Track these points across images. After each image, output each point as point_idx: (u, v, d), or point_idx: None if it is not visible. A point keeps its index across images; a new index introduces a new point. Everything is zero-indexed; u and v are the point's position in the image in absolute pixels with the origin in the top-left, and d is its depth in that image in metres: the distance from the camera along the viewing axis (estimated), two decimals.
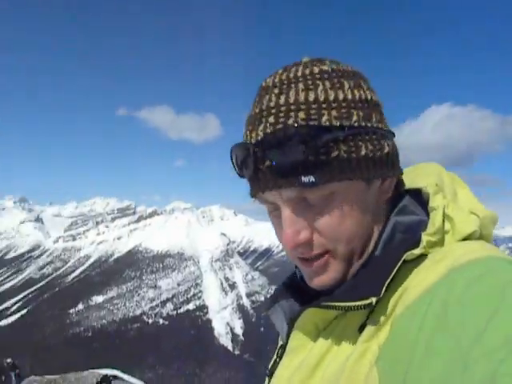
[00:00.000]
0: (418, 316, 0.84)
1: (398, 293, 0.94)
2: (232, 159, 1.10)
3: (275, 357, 1.24)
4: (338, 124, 0.98)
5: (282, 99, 0.99)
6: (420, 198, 1.10)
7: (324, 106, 0.98)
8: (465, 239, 1.00)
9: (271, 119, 1.00)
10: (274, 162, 0.98)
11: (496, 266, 0.86)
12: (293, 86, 0.99)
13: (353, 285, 1.02)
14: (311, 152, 0.95)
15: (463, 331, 0.76)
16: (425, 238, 0.97)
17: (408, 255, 0.96)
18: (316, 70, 1.01)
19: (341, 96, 1.00)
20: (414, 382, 0.76)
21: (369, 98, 1.04)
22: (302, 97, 0.97)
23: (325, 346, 1.03)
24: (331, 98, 0.99)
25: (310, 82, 0.99)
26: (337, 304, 0.98)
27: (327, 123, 0.97)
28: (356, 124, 1.00)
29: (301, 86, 0.99)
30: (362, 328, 0.96)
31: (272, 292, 1.30)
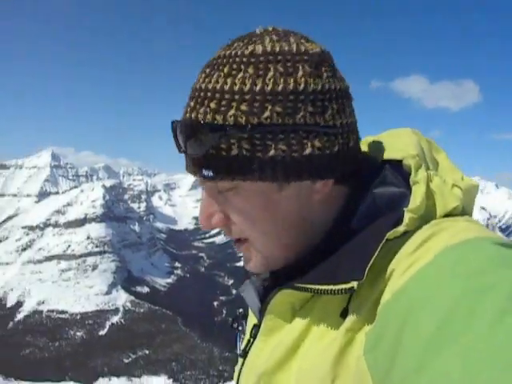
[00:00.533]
0: (404, 308, 0.78)
1: (382, 276, 0.88)
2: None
3: (248, 336, 1.19)
4: (244, 120, 0.92)
5: (205, 83, 0.96)
6: (400, 169, 1.01)
7: (235, 97, 0.92)
8: (448, 214, 0.95)
9: (192, 103, 0.99)
10: (185, 150, 0.99)
11: (484, 249, 0.81)
12: (220, 67, 0.95)
13: (330, 265, 0.95)
14: (213, 147, 0.94)
15: (451, 320, 0.71)
16: (408, 214, 0.90)
17: (390, 234, 0.88)
18: (249, 50, 0.93)
19: (257, 87, 0.91)
20: (410, 378, 0.70)
21: (302, 88, 0.92)
22: (219, 84, 0.93)
23: (303, 328, 0.98)
24: (246, 88, 0.92)
25: (234, 67, 0.93)
26: (313, 287, 0.92)
27: (231, 119, 0.92)
28: (267, 121, 0.92)
29: (225, 69, 0.94)
30: (344, 313, 0.91)
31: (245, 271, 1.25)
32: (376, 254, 0.87)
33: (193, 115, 0.97)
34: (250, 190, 0.97)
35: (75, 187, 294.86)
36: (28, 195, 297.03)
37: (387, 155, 1.05)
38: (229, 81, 0.92)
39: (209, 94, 0.94)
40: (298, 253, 1.03)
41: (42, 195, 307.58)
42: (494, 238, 0.85)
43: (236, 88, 0.91)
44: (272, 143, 0.93)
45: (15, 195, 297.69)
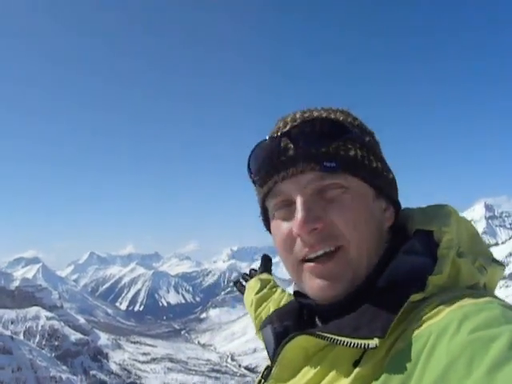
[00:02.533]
0: (414, 355, 0.91)
1: (397, 332, 0.99)
2: (250, 158, 1.22)
3: (260, 377, 1.29)
4: (358, 132, 1.18)
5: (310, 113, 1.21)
6: (430, 239, 1.13)
7: (349, 120, 1.21)
8: (469, 288, 1.05)
9: (299, 115, 1.19)
10: (298, 148, 1.13)
11: (491, 309, 0.93)
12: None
13: (355, 319, 1.03)
14: (334, 144, 1.13)
15: (454, 368, 0.84)
16: (430, 282, 1.03)
17: (413, 297, 1.01)
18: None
19: (358, 121, 1.25)
20: None
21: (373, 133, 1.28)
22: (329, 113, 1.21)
23: (314, 375, 1.05)
24: (350, 119, 1.23)
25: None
26: (334, 337, 1.01)
27: (357, 127, 1.20)
28: (370, 143, 1.21)
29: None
30: (356, 363, 0.99)
31: (270, 313, 1.37)
32: (398, 316, 0.99)
33: (307, 117, 1.17)
34: (358, 191, 1.14)
35: None
36: None
37: (421, 225, 1.18)
38: (336, 113, 1.22)
39: (321, 111, 1.22)
40: (364, 274, 1.13)
41: None
42: (504, 302, 0.97)
43: (343, 118, 1.22)
44: (374, 158, 1.18)
45: None
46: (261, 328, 1.34)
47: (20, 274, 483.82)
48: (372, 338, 0.95)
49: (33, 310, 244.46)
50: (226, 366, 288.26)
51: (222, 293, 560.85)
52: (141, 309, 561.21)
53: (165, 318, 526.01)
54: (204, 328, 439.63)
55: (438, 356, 0.88)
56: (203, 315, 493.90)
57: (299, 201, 1.11)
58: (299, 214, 1.09)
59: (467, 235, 1.18)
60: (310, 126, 1.13)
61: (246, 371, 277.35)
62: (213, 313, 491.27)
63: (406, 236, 1.18)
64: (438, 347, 0.89)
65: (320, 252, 1.10)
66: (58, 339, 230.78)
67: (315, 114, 1.17)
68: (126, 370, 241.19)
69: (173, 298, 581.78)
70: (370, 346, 0.95)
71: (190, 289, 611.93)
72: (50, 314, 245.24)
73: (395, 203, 1.23)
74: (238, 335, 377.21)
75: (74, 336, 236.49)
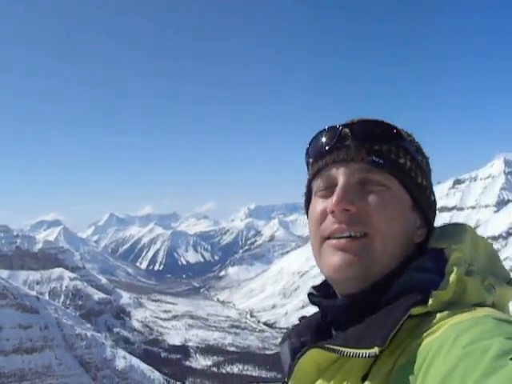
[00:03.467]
0: (414, 371, 0.96)
1: (401, 347, 1.03)
2: (311, 142, 1.32)
3: None
4: (413, 149, 1.28)
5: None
6: (441, 257, 1.15)
7: (408, 138, 1.29)
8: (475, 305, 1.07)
9: (366, 118, 1.29)
10: (354, 139, 1.22)
11: (486, 323, 0.96)
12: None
13: (359, 331, 1.08)
14: (387, 146, 1.22)
15: (448, 381, 0.88)
16: (433, 297, 1.05)
17: (414, 310, 1.04)
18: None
19: (417, 143, 1.34)
20: None
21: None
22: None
23: None
24: (410, 138, 1.31)
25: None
26: (340, 348, 1.05)
27: (409, 140, 1.28)
28: (422, 163, 1.29)
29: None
30: (364, 377, 1.03)
31: (290, 327, 1.39)
32: (398, 327, 1.02)
33: (367, 118, 1.28)
34: (398, 195, 1.20)
35: None
36: (486, 206, 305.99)
37: (435, 243, 1.21)
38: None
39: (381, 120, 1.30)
40: (379, 273, 1.17)
41: (500, 204, 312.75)
42: (503, 316, 1.01)
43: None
44: (421, 175, 1.25)
45: (473, 207, 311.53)
46: (280, 343, 1.36)
47: (42, 236, 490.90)
48: (373, 347, 1.00)
49: (56, 271, 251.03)
50: (246, 322, 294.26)
51: (240, 251, 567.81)
52: (160, 268, 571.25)
53: (184, 276, 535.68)
54: (223, 285, 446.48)
55: (435, 371, 0.92)
56: (222, 273, 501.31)
57: (341, 183, 1.18)
58: (337, 193, 1.16)
59: (485, 254, 1.20)
60: (371, 126, 1.23)
61: (264, 327, 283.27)
62: (231, 270, 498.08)
63: (422, 251, 1.21)
64: (434, 362, 0.93)
65: (346, 233, 1.15)
66: (82, 299, 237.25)
67: (381, 120, 1.25)
68: (148, 327, 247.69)
69: (192, 256, 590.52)
70: (370, 355, 1.00)
71: (209, 247, 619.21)
72: (72, 275, 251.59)
73: (430, 226, 1.27)
74: (256, 292, 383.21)
75: (97, 295, 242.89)
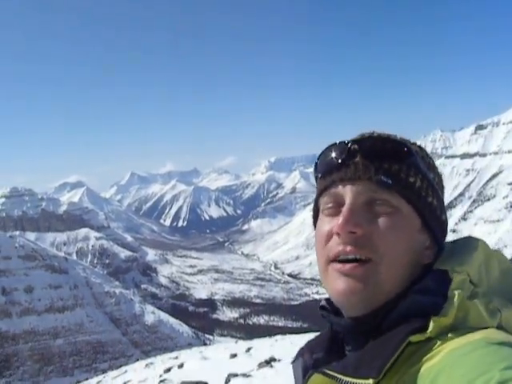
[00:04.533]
0: None
1: (400, 374, 1.01)
2: (320, 156, 1.26)
3: None
4: (424, 166, 1.20)
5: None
6: (445, 278, 1.10)
7: (421, 154, 1.22)
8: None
9: (376, 133, 1.22)
10: (363, 157, 1.16)
11: (483, 349, 0.94)
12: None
13: (358, 358, 1.06)
14: (396, 165, 1.16)
15: None
16: (433, 324, 1.02)
17: (413, 338, 1.01)
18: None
19: (430, 159, 1.26)
20: None
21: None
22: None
23: None
24: (423, 154, 1.23)
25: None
26: (337, 375, 1.05)
27: (420, 156, 1.21)
28: (434, 180, 1.22)
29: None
30: None
31: (303, 345, 1.35)
32: (395, 357, 1.00)
33: (376, 135, 1.20)
34: (405, 216, 1.14)
35: None
36: (509, 151, 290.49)
37: (440, 263, 1.15)
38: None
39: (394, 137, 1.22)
40: (384, 298, 1.12)
41: None
42: (501, 336, 0.99)
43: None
44: (432, 194, 1.19)
45: (496, 153, 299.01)
46: (293, 361, 1.34)
47: (66, 198, 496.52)
48: (367, 379, 0.99)
49: (82, 232, 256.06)
50: (270, 274, 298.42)
51: (262, 204, 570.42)
52: (184, 224, 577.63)
53: (208, 231, 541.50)
54: (246, 239, 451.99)
55: None
56: (245, 227, 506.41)
57: (348, 203, 1.14)
58: (344, 214, 1.13)
59: (499, 271, 1.16)
60: (381, 143, 1.18)
61: (289, 278, 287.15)
62: (254, 224, 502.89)
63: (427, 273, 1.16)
64: None
65: (350, 256, 1.11)
66: (109, 257, 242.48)
67: (390, 136, 1.20)
68: (174, 282, 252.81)
69: (214, 211, 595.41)
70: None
71: (231, 202, 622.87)
72: (98, 234, 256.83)
73: (439, 245, 1.21)
74: (279, 244, 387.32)
75: (123, 253, 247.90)
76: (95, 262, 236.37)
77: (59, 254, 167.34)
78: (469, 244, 1.19)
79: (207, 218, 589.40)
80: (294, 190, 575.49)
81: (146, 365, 20.29)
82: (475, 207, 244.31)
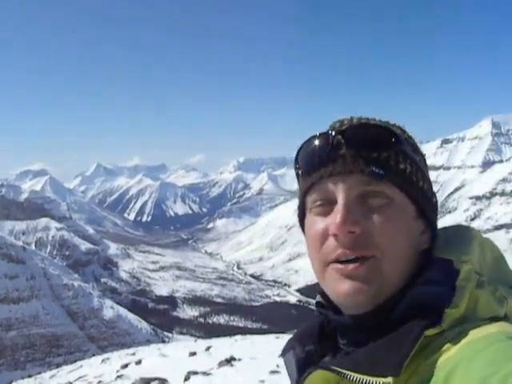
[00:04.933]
0: None
1: (412, 367, 0.96)
2: (300, 150, 1.18)
3: None
4: (411, 149, 1.15)
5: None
6: (450, 268, 1.07)
7: (404, 136, 1.15)
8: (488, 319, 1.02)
9: (356, 119, 1.15)
10: (350, 147, 1.09)
11: (500, 343, 0.91)
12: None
13: (371, 354, 1.00)
14: (385, 152, 1.10)
15: None
16: (447, 316, 0.99)
17: (428, 332, 0.97)
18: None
19: (412, 140, 1.19)
20: None
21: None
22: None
23: None
24: (406, 135, 1.17)
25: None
26: (349, 373, 0.99)
27: (409, 144, 1.15)
28: (421, 162, 1.18)
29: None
30: None
31: (292, 335, 1.31)
32: (413, 352, 0.95)
33: (363, 122, 1.14)
34: (401, 205, 1.09)
35: None
36: (472, 166, 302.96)
37: (441, 253, 1.12)
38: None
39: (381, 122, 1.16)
40: (389, 293, 1.07)
41: (486, 164, 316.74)
42: None
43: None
44: (422, 179, 1.14)
45: (460, 167, 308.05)
46: (283, 354, 1.28)
47: (28, 186, 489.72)
48: (386, 376, 0.93)
49: (43, 221, 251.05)
50: (233, 274, 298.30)
51: (229, 203, 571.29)
52: (148, 219, 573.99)
53: (172, 228, 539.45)
54: (211, 237, 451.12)
55: None
56: (210, 225, 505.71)
57: (341, 200, 1.07)
58: (340, 213, 1.05)
59: (491, 259, 1.14)
60: (365, 131, 1.11)
61: (251, 279, 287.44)
62: (219, 223, 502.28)
63: (430, 263, 1.12)
64: None
65: (352, 256, 1.05)
66: (69, 249, 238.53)
67: (372, 122, 1.14)
68: (135, 277, 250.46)
69: (180, 208, 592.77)
70: (384, 383, 0.94)
71: (197, 199, 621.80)
72: (59, 225, 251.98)
73: (433, 228, 1.18)
74: (243, 245, 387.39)
75: (84, 246, 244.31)
76: (54, 253, 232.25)
77: (17, 243, 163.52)
78: (465, 232, 1.17)
79: (172, 214, 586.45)
80: (261, 192, 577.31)
81: (103, 360, 20.01)
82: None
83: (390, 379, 0.93)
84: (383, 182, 1.08)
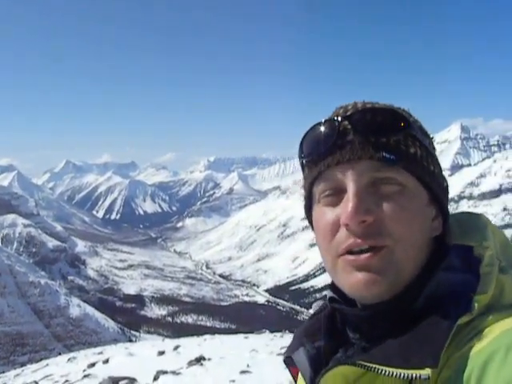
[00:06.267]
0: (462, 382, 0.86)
1: (444, 358, 0.91)
2: (304, 139, 1.12)
3: None
4: (420, 132, 1.10)
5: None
6: (470, 255, 1.05)
7: (411, 119, 1.10)
8: None
9: (360, 104, 1.11)
10: (357, 133, 1.04)
11: None
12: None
13: (403, 346, 0.95)
14: (394, 136, 1.04)
15: None
16: (476, 303, 0.95)
17: (460, 320, 0.93)
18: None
19: (419, 123, 1.13)
20: None
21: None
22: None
23: None
24: (412, 119, 1.11)
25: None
26: (381, 367, 0.93)
27: (418, 126, 1.10)
28: (431, 146, 1.13)
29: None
30: None
31: (297, 331, 1.25)
32: (449, 341, 0.90)
33: (369, 106, 1.09)
34: (414, 191, 1.04)
35: (487, 157, 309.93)
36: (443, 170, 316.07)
37: (459, 239, 1.09)
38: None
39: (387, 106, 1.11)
40: (406, 281, 1.02)
41: (455, 168, 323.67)
42: None
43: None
44: (432, 163, 1.10)
45: None
46: (292, 351, 1.20)
47: None
48: (423, 368, 0.88)
49: (9, 218, 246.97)
50: (201, 274, 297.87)
51: (198, 203, 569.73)
52: (117, 217, 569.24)
53: (141, 226, 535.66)
54: (180, 237, 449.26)
55: None
56: (179, 224, 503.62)
57: (352, 189, 1.02)
58: (351, 202, 1.00)
59: (500, 244, 1.11)
60: (372, 115, 1.06)
61: (220, 278, 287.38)
62: (189, 222, 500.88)
63: (446, 249, 1.08)
64: (485, 378, 0.84)
65: (364, 246, 1.00)
66: (36, 246, 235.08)
67: (378, 106, 1.09)
68: (103, 275, 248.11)
69: (149, 206, 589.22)
70: (423, 377, 0.88)
71: (167, 198, 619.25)
72: (26, 222, 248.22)
73: (444, 213, 1.13)
74: (213, 244, 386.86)
75: (52, 243, 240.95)
76: (21, 250, 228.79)
77: None
78: (478, 219, 1.15)
79: (141, 212, 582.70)
80: (231, 191, 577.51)
81: (69, 359, 19.80)
82: None
83: (427, 371, 0.87)
84: (394, 167, 1.03)
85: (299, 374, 1.20)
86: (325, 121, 1.09)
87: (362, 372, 0.96)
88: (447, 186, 1.17)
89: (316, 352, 1.16)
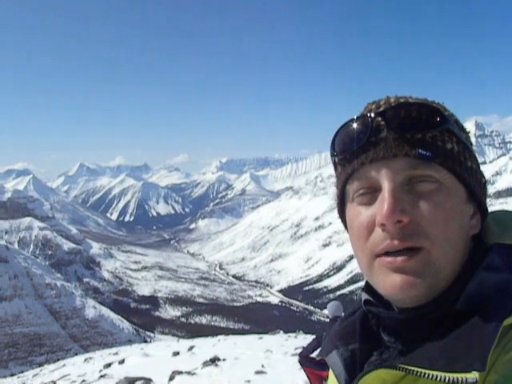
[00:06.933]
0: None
1: (490, 361, 0.87)
2: (336, 136, 1.09)
3: None
4: (456, 127, 1.05)
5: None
6: (510, 253, 1.02)
7: (446, 113, 1.05)
8: None
9: (393, 99, 1.06)
10: (392, 130, 1.00)
11: None
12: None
13: (448, 349, 0.91)
14: (430, 132, 1.00)
15: None
16: None
17: (506, 321, 0.90)
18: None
19: (455, 117, 1.08)
20: None
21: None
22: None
23: None
24: (448, 113, 1.07)
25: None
26: (426, 372, 0.89)
27: (454, 122, 1.05)
28: (468, 141, 1.08)
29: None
30: None
31: (330, 333, 1.24)
32: (496, 343, 0.86)
33: (402, 101, 1.04)
34: (451, 189, 1.00)
35: (503, 155, 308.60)
36: None
37: (499, 238, 1.06)
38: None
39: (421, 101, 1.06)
40: (445, 282, 0.99)
41: None
42: None
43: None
44: (469, 158, 1.05)
45: None
46: (325, 354, 1.19)
47: (11, 185, 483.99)
48: (470, 372, 0.84)
49: (26, 221, 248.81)
50: (215, 275, 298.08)
51: (211, 204, 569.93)
52: (131, 219, 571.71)
53: (155, 228, 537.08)
54: (193, 238, 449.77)
55: None
56: (192, 225, 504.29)
57: (387, 187, 0.99)
58: (386, 201, 0.97)
59: None
60: (406, 110, 1.01)
61: (233, 279, 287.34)
62: (202, 223, 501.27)
63: (484, 248, 1.05)
64: None
65: (400, 247, 0.97)
66: (52, 248, 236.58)
67: (412, 100, 1.04)
68: (117, 277, 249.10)
69: (162, 208, 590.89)
70: (470, 381, 0.83)
71: (180, 200, 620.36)
72: (42, 225, 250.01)
73: (483, 211, 1.09)
74: (226, 245, 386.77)
75: (67, 245, 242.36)
76: (37, 252, 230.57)
77: (0, 242, 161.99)
78: (507, 214, 1.13)
79: (155, 214, 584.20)
80: (243, 192, 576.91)
81: (85, 359, 20.11)
82: None
83: (475, 374, 0.83)
84: (431, 164, 0.99)
85: (331, 376, 1.18)
86: (357, 117, 1.06)
87: (402, 375, 0.94)
88: (485, 182, 1.12)
89: (350, 355, 1.14)
